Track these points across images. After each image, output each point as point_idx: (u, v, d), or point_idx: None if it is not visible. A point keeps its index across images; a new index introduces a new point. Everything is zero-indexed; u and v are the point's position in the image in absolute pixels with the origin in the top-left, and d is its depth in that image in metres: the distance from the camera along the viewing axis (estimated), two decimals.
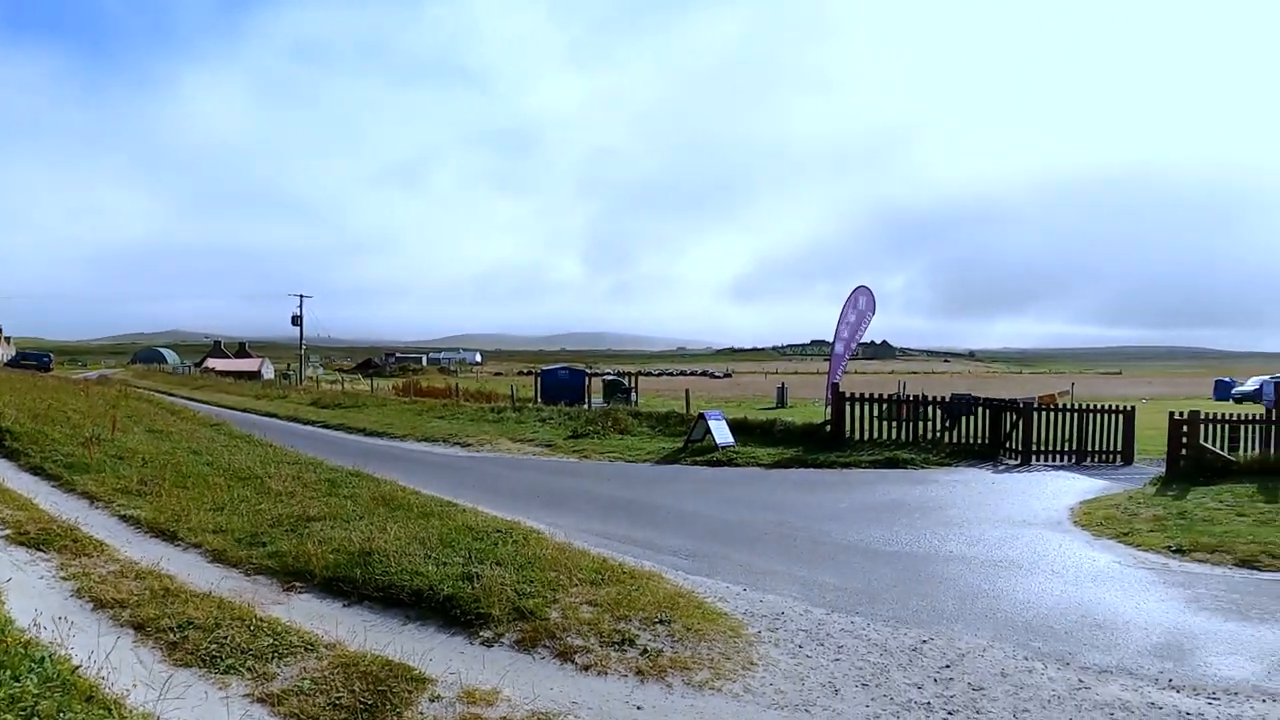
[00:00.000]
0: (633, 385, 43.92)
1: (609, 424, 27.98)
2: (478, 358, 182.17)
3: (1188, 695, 7.52)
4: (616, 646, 7.71)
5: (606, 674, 7.30)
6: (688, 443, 24.23)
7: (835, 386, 25.37)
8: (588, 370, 49.78)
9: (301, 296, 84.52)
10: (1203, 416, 20.33)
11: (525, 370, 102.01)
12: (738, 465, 21.79)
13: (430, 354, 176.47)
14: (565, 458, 23.45)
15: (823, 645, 8.28)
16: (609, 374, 59.21)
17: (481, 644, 7.96)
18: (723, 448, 23.26)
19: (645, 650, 7.65)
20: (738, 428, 25.25)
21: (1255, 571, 12.11)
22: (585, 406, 35.56)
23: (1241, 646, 8.90)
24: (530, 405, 37.00)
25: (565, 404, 36.00)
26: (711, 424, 24.16)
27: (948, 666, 7.92)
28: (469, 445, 26.14)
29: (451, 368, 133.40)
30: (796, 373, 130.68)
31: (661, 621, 8.31)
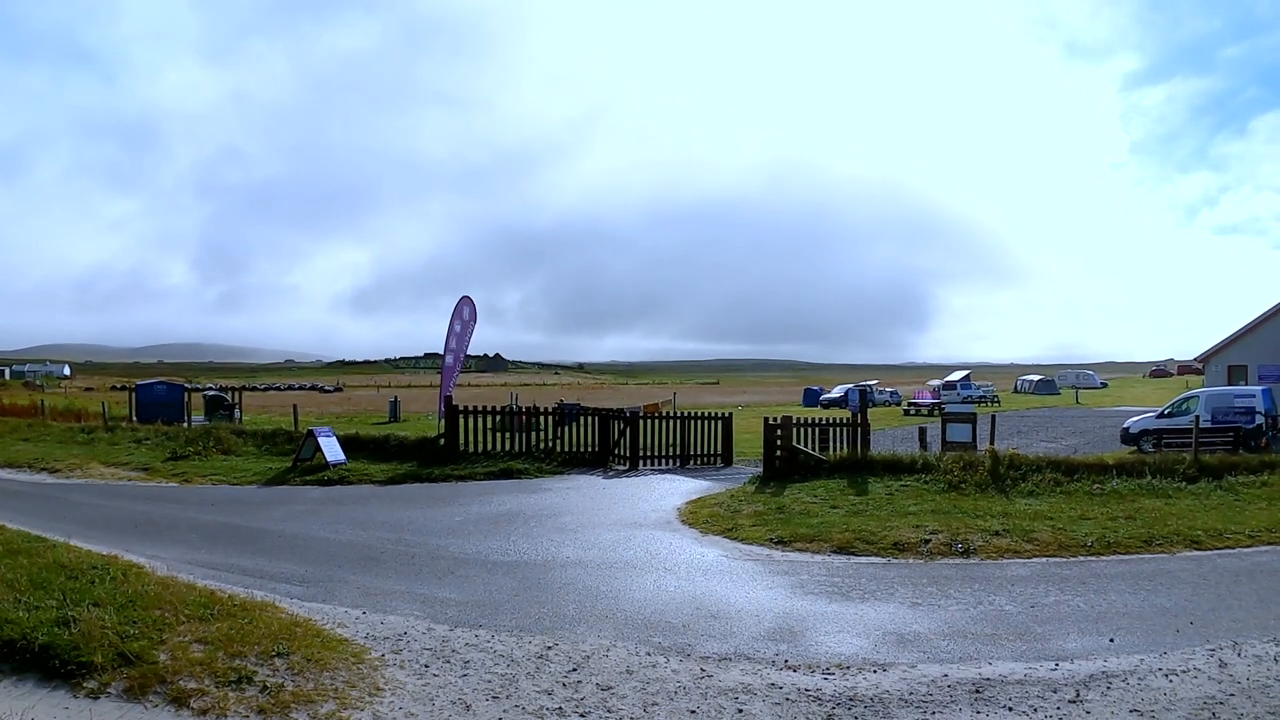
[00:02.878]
0: (236, 401, 41.95)
1: (211, 444, 26.46)
2: (67, 371, 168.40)
3: (804, 673, 8.00)
4: (234, 685, 7.23)
5: (226, 715, 6.82)
6: (297, 461, 23.35)
7: (448, 399, 25.27)
8: (187, 385, 47.13)
9: None
10: (795, 421, 21.73)
11: (119, 385, 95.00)
12: (351, 483, 21.18)
13: (14, 366, 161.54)
14: (165, 482, 21.96)
15: (449, 662, 8.15)
16: (210, 389, 56.51)
17: (87, 696, 7.24)
18: (334, 465, 22.58)
19: (265, 687, 7.22)
20: (350, 444, 24.61)
21: (852, 556, 13.11)
22: (185, 425, 33.48)
23: (848, 625, 9.62)
24: (125, 425, 34.26)
25: (163, 423, 33.66)
26: (321, 441, 23.41)
27: (575, 670, 8.00)
28: (58, 470, 23.95)
29: (38, 382, 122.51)
30: (411, 386, 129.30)
31: (280, 654, 7.86)
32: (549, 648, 8.65)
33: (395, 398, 56.52)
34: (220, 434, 27.74)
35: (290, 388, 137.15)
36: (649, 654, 8.50)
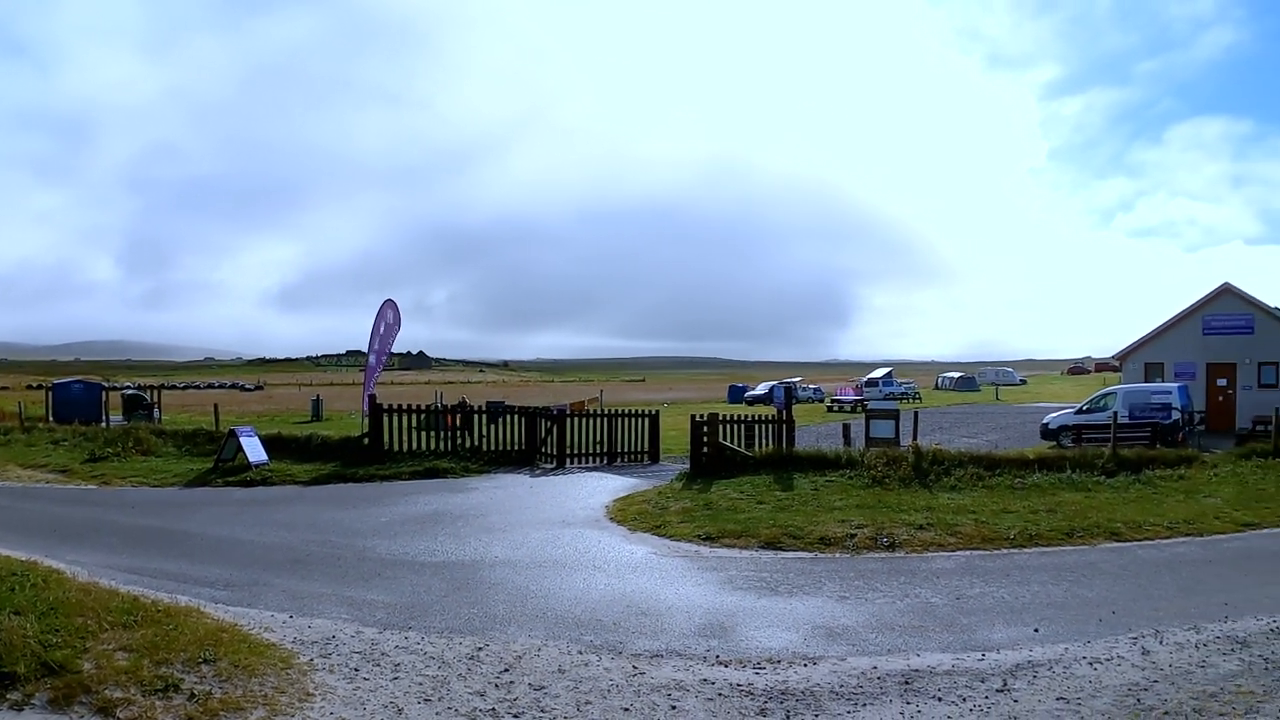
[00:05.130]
0: (155, 401, 41.23)
1: (131, 445, 25.92)
2: None
3: (735, 669, 8.06)
4: (161, 694, 7.08)
5: None
6: (219, 462, 22.99)
7: (372, 398, 25.02)
8: (105, 384, 46.21)
9: None
10: (721, 418, 21.85)
11: (35, 385, 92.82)
12: (274, 484, 20.90)
13: None
14: (84, 484, 21.50)
15: (379, 666, 8.08)
16: (129, 388, 55.51)
17: (10, 708, 7.03)
18: (257, 466, 22.27)
19: (193, 694, 7.08)
20: (272, 444, 24.28)
21: (779, 552, 13.22)
22: (104, 425, 32.80)
23: (777, 619, 9.71)
24: (41, 425, 33.48)
25: (80, 423, 32.95)
26: (244, 441, 23.06)
27: (507, 670, 7.98)
28: None
29: None
30: (333, 384, 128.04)
31: (206, 661, 7.72)
32: (480, 649, 8.61)
33: (318, 396, 55.91)
34: (140, 434, 27.21)
35: (211, 386, 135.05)
36: (581, 653, 8.50)
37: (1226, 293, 38.91)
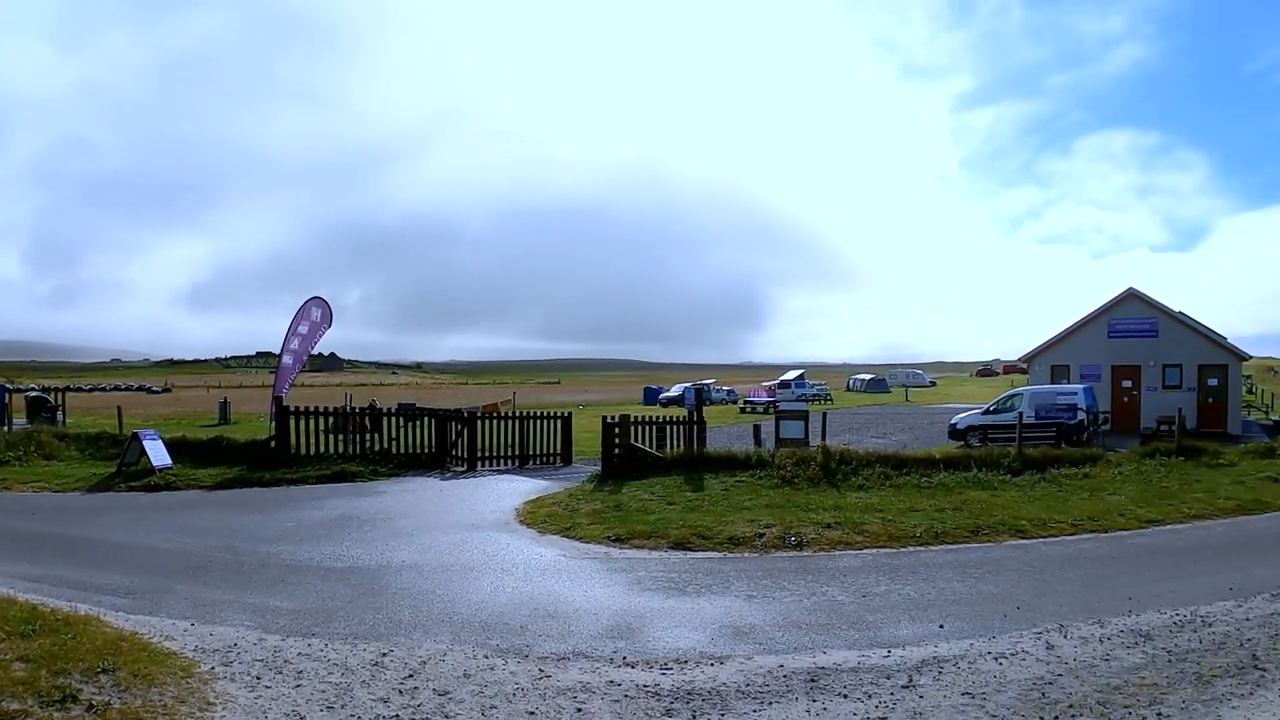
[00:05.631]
0: (60, 403, 40.19)
1: (33, 448, 25.21)
2: None
3: (642, 670, 8.07)
4: (59, 705, 6.89)
5: None
6: (122, 466, 22.47)
7: (279, 400, 24.64)
8: (9, 386, 44.98)
9: None
10: (633, 419, 21.89)
11: None
12: (178, 489, 20.45)
13: None
14: None
15: (281, 673, 7.95)
16: (33, 390, 54.19)
17: None
18: (161, 470, 21.80)
19: (91, 705, 6.91)
20: (177, 447, 23.79)
21: (689, 552, 13.28)
22: (6, 429, 31.99)
23: (684, 620, 9.74)
24: None
25: None
26: (147, 445, 22.57)
27: (411, 676, 7.91)
28: None
29: None
30: (242, 386, 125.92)
31: (106, 670, 7.53)
32: (384, 654, 8.52)
33: (225, 399, 54.91)
34: (42, 438, 26.49)
35: (117, 388, 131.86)
36: (487, 657, 8.46)
37: (1132, 297, 40.04)
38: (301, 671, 8.00)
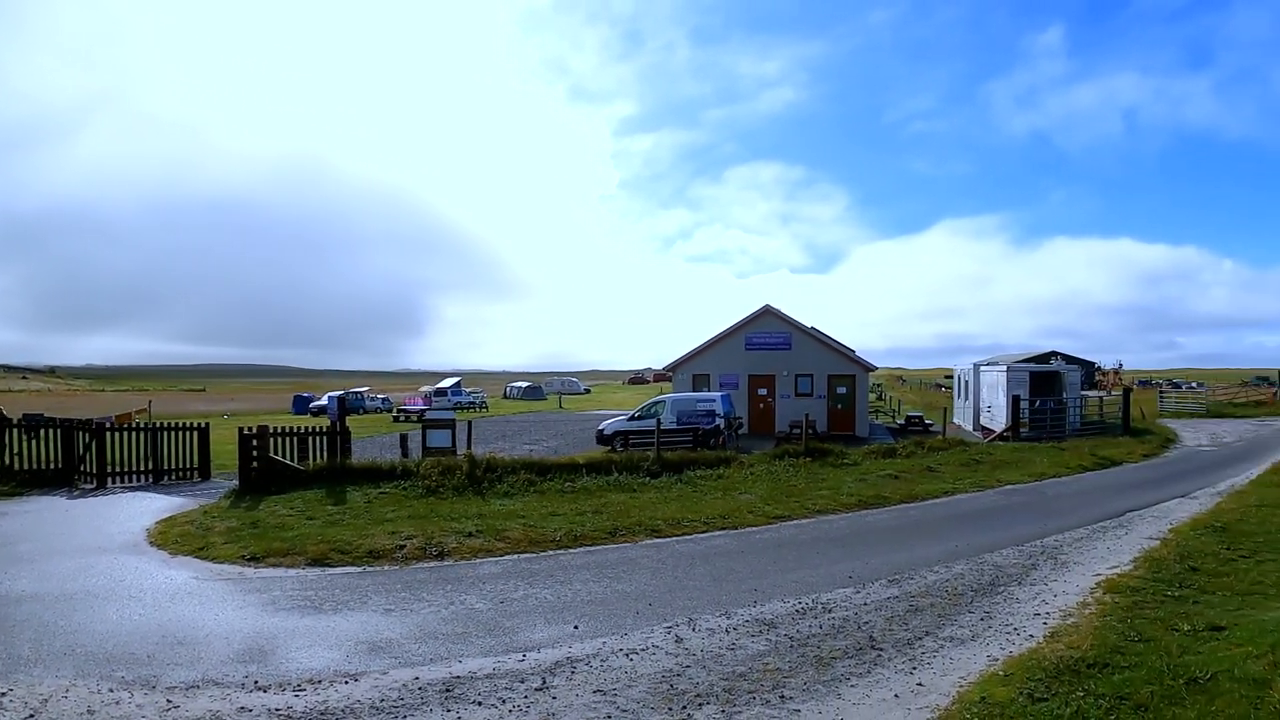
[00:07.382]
0: None
1: None
2: None
3: (275, 693, 7.91)
4: None
5: None
6: None
7: None
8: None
9: None
10: (272, 430, 21.26)
11: None
12: None
13: None
14: None
15: None
16: None
17: None
18: None
19: None
20: None
21: (327, 569, 13.07)
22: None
23: (320, 638, 9.59)
24: None
25: None
26: None
27: (32, 716, 7.43)
28: None
29: None
30: None
31: None
32: (3, 694, 7.95)
33: None
34: None
35: None
36: (112, 690, 8.04)
37: (768, 313, 42.88)
38: None
